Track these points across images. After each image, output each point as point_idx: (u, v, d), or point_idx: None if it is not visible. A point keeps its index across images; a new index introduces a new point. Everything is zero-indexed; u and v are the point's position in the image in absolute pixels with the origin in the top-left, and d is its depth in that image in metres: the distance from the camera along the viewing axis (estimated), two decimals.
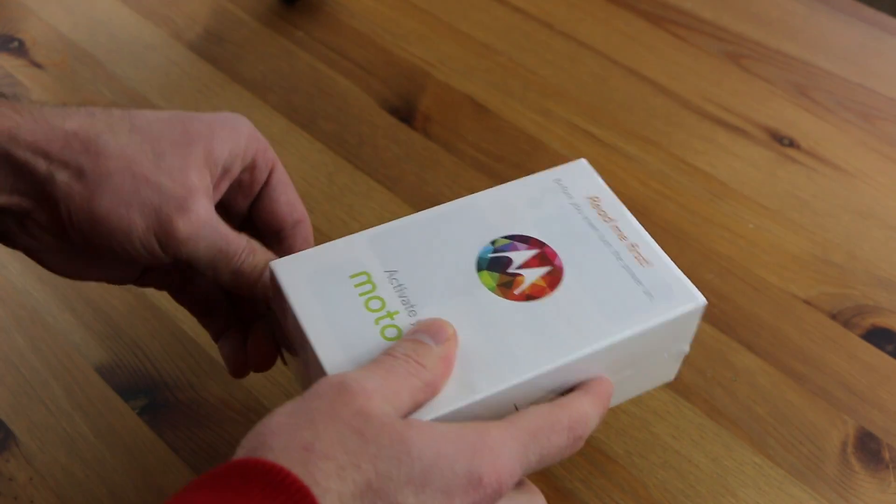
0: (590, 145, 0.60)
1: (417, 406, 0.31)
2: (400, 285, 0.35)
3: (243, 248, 0.36)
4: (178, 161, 0.35)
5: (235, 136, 0.37)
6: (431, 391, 0.31)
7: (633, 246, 0.37)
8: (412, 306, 0.34)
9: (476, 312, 0.34)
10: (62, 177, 0.33)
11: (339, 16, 0.69)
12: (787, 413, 0.47)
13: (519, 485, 0.34)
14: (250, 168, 0.38)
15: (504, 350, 0.33)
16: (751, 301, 0.52)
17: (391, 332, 0.33)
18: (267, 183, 0.39)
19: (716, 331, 0.50)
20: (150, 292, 0.50)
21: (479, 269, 0.36)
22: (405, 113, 0.62)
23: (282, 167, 0.40)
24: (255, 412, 0.46)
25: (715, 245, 0.55)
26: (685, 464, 0.45)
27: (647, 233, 0.38)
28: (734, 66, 0.67)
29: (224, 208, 0.39)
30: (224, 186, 0.38)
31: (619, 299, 0.35)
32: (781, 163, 0.60)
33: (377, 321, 0.34)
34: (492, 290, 0.35)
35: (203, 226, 0.35)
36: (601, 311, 0.35)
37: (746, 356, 0.49)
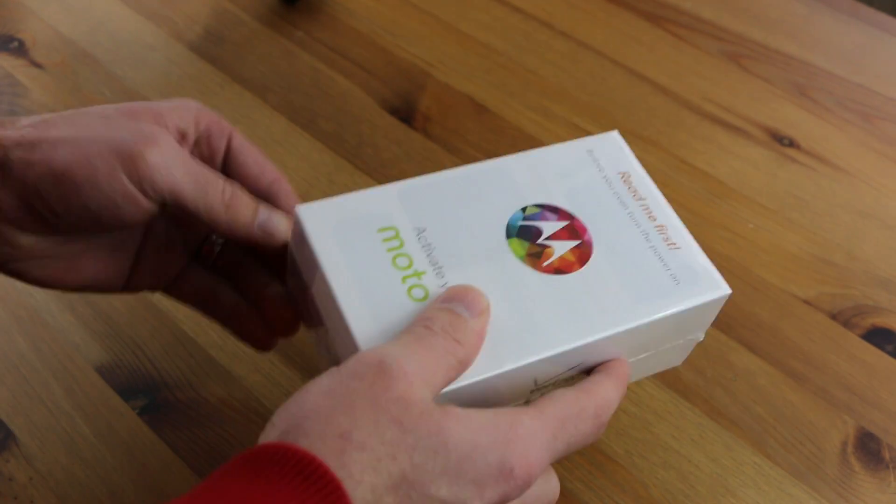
0: None
1: (449, 383, 0.31)
2: (428, 244, 0.34)
3: (223, 183, 0.35)
4: (127, 122, 0.34)
5: (182, 108, 0.37)
6: (463, 368, 0.31)
7: (661, 227, 0.37)
8: (440, 267, 0.33)
9: (504, 281, 0.34)
10: (17, 154, 0.32)
11: (339, 16, 0.69)
12: (787, 413, 0.47)
13: None
14: (206, 137, 0.37)
15: (530, 323, 0.33)
16: (751, 301, 0.52)
17: (418, 293, 0.33)
18: (228, 151, 0.38)
19: (716, 331, 0.50)
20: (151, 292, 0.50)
21: (509, 235, 0.35)
22: (405, 113, 0.62)
23: (241, 135, 0.39)
24: (256, 412, 0.46)
25: (715, 245, 0.55)
26: (685, 464, 0.45)
27: (676, 215, 0.38)
28: (734, 66, 0.67)
29: None
30: (186, 149, 0.37)
31: (646, 282, 0.35)
32: (781, 163, 0.60)
33: (404, 280, 0.33)
34: (521, 258, 0.35)
35: (175, 153, 0.34)
36: (628, 293, 0.35)
37: (746, 356, 0.49)
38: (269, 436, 0.28)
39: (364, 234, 0.34)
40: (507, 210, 0.36)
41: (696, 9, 0.71)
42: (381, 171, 0.58)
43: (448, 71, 0.65)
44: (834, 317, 0.52)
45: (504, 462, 0.28)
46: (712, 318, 0.37)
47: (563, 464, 0.45)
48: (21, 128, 0.34)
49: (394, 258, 0.33)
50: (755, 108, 0.64)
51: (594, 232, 0.36)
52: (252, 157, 0.38)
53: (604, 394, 0.33)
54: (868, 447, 0.46)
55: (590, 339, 0.33)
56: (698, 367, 0.49)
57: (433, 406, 0.29)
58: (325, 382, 0.29)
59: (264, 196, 0.38)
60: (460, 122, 0.61)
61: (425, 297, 0.32)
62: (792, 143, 0.62)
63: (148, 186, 0.33)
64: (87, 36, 0.66)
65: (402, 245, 0.34)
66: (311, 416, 0.28)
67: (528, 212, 0.36)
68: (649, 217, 0.37)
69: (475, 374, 0.31)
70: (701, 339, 0.38)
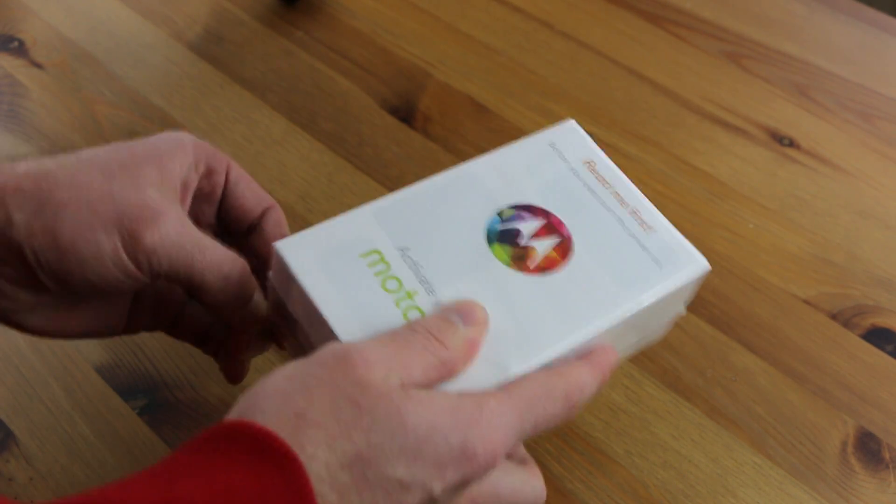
0: None
1: (431, 384, 0.30)
2: (414, 263, 0.34)
3: (223, 267, 0.35)
4: (129, 181, 0.34)
5: (182, 149, 0.37)
6: (448, 371, 0.31)
7: (634, 212, 0.38)
8: (429, 284, 0.33)
9: (495, 288, 0.34)
10: (20, 217, 0.32)
11: (339, 16, 0.69)
12: (787, 413, 0.47)
13: (522, 461, 0.34)
14: (207, 175, 0.38)
15: (529, 326, 0.33)
16: (751, 301, 0.52)
17: (413, 315, 0.33)
18: (227, 184, 0.39)
19: (716, 331, 0.50)
20: None
21: (490, 241, 0.35)
22: (405, 113, 0.62)
23: (237, 165, 0.39)
24: None
25: (715, 245, 0.55)
26: (685, 464, 0.45)
27: (645, 197, 0.38)
28: (734, 66, 0.67)
29: (195, 223, 0.38)
30: (188, 201, 0.37)
31: (630, 268, 0.36)
32: (781, 163, 0.60)
33: (398, 303, 0.33)
34: (506, 264, 0.35)
35: (173, 232, 0.34)
36: (615, 281, 0.35)
37: (746, 356, 0.49)
38: (231, 415, 0.29)
39: (349, 262, 0.34)
40: (484, 216, 0.36)
41: (696, 9, 0.71)
42: (381, 171, 0.58)
43: (448, 71, 0.65)
44: (834, 317, 0.52)
45: (467, 444, 0.28)
46: (694, 292, 0.38)
47: (563, 463, 0.45)
48: (18, 176, 0.33)
49: (383, 282, 0.33)
50: (755, 108, 0.64)
51: (571, 226, 0.37)
52: (249, 189, 0.39)
53: (577, 376, 0.33)
54: (868, 447, 0.46)
55: (589, 334, 0.34)
56: (698, 367, 0.49)
57: (394, 389, 0.29)
58: (289, 368, 0.29)
59: (256, 223, 0.39)
60: (460, 122, 0.61)
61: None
62: (792, 143, 0.62)
63: (145, 264, 0.34)
64: (87, 36, 0.66)
65: (388, 268, 0.34)
66: (270, 395, 0.28)
67: (504, 215, 0.36)
68: (621, 203, 0.38)
69: (482, 383, 0.31)
70: (683, 313, 0.39)
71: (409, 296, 0.33)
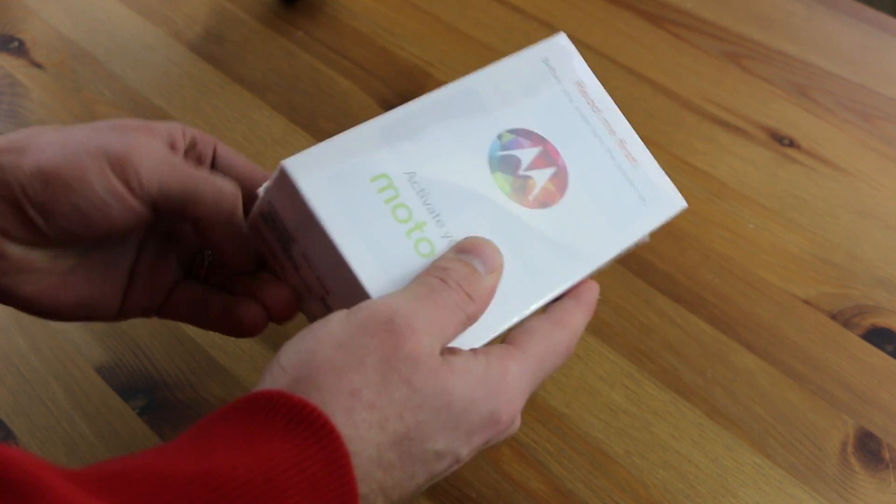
0: None
1: (456, 336, 0.31)
2: (422, 190, 0.34)
3: (213, 178, 0.35)
4: (116, 133, 0.34)
5: (170, 124, 0.37)
6: (471, 323, 0.32)
7: (621, 142, 0.39)
8: (438, 215, 0.33)
9: (499, 223, 0.34)
10: (6, 158, 0.33)
11: (339, 16, 0.69)
12: (787, 413, 0.47)
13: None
14: (192, 147, 0.38)
15: (531, 266, 0.34)
16: (751, 301, 0.52)
17: (424, 248, 0.33)
18: (215, 158, 0.39)
19: (716, 331, 0.50)
20: None
21: (492, 169, 0.35)
22: None
23: (225, 144, 0.39)
24: None
25: (715, 245, 0.55)
26: (685, 464, 0.45)
27: (630, 126, 0.39)
28: (734, 66, 0.67)
29: None
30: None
31: (620, 206, 0.37)
32: (781, 163, 0.60)
33: (408, 234, 0.33)
34: (507, 194, 0.35)
35: (163, 154, 0.34)
36: (606, 221, 0.36)
37: (746, 356, 0.49)
38: (279, 380, 0.29)
39: (359, 186, 0.32)
40: (485, 138, 0.36)
41: (696, 9, 0.71)
42: None
43: (448, 71, 0.65)
44: (834, 317, 0.52)
45: (493, 412, 0.30)
46: (664, 225, 0.39)
47: (563, 463, 0.45)
48: (8, 137, 0.34)
49: (393, 210, 0.33)
50: (755, 109, 0.64)
51: (566, 155, 0.37)
52: (239, 159, 0.39)
53: (576, 324, 0.34)
54: (868, 447, 0.46)
55: (584, 274, 0.35)
56: (698, 367, 0.49)
57: (440, 362, 0.29)
58: (337, 332, 0.29)
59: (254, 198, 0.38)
60: None
61: (431, 252, 0.33)
62: (792, 143, 0.62)
63: (136, 184, 0.33)
64: (87, 36, 0.66)
65: (397, 195, 0.33)
66: (323, 368, 0.28)
67: (504, 139, 0.36)
68: (609, 132, 0.39)
69: (493, 329, 0.32)
70: (647, 241, 0.40)
71: (419, 227, 0.33)
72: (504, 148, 0.36)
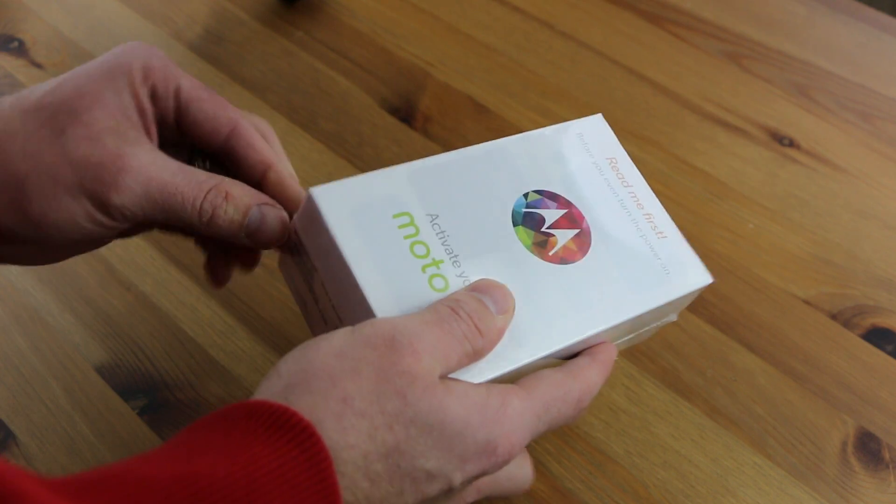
0: None
1: (460, 368, 0.31)
2: (442, 232, 0.34)
3: (206, 185, 0.34)
4: (81, 131, 0.33)
5: (125, 75, 0.34)
6: (477, 358, 0.31)
7: (649, 216, 0.39)
8: (456, 256, 0.34)
9: (516, 271, 0.34)
10: None
11: (339, 16, 0.69)
12: (787, 413, 0.47)
13: None
14: (152, 98, 0.35)
15: (545, 314, 0.34)
16: (751, 301, 0.52)
17: (439, 283, 0.33)
18: (178, 109, 0.36)
19: (716, 331, 0.50)
20: (151, 292, 0.50)
21: (515, 223, 0.36)
22: (405, 113, 0.62)
23: (190, 81, 0.36)
24: None
25: (715, 245, 0.55)
26: (685, 464, 0.45)
27: (659, 202, 0.39)
28: (734, 66, 0.67)
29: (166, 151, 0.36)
30: (153, 128, 0.35)
31: (641, 272, 0.37)
32: (781, 163, 0.60)
33: (424, 269, 0.33)
34: (528, 247, 0.35)
35: (137, 186, 0.33)
36: (626, 283, 0.36)
37: (746, 356, 0.49)
38: (274, 385, 0.29)
39: (380, 220, 0.33)
40: (510, 195, 0.37)
41: (696, 9, 0.71)
42: None
43: (448, 71, 0.65)
44: (834, 317, 0.52)
45: (490, 440, 0.29)
46: (690, 302, 0.40)
47: (563, 463, 0.45)
48: None
49: (411, 245, 0.33)
50: (755, 108, 0.64)
51: (591, 220, 0.37)
52: (203, 108, 0.36)
53: (589, 378, 0.34)
54: (868, 447, 0.46)
55: (597, 330, 0.34)
56: (698, 367, 0.49)
57: (437, 382, 0.29)
58: (337, 343, 0.29)
59: (223, 153, 0.37)
60: (460, 122, 0.61)
61: (445, 288, 0.33)
62: (792, 143, 0.62)
63: (119, 216, 0.33)
64: (87, 36, 0.66)
65: (417, 232, 0.34)
66: (318, 374, 0.28)
67: (529, 198, 0.37)
68: (637, 205, 0.39)
69: (500, 368, 0.32)
70: (674, 319, 0.41)
71: (436, 264, 0.33)
72: (529, 206, 0.37)
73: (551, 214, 0.37)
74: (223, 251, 0.41)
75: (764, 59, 0.68)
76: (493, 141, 0.38)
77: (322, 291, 0.34)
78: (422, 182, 0.35)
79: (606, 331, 0.35)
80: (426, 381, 0.29)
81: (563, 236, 0.36)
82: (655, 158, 0.60)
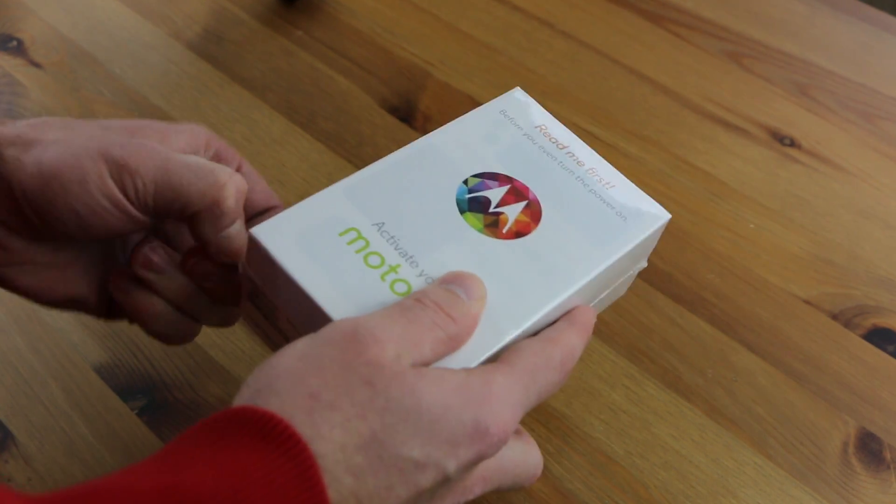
0: (590, 144, 0.60)
1: (437, 359, 0.30)
2: (392, 237, 0.34)
3: (224, 168, 0.34)
4: (126, 135, 0.34)
5: (192, 132, 0.36)
6: (454, 346, 0.31)
7: (592, 170, 0.39)
8: (411, 257, 0.34)
9: (475, 255, 0.34)
10: (11, 152, 0.33)
11: (339, 16, 0.69)
12: (788, 413, 0.47)
13: (518, 433, 0.34)
14: (215, 159, 0.37)
15: (514, 290, 0.34)
16: (751, 301, 0.52)
17: (401, 287, 0.33)
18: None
19: (716, 331, 0.50)
20: None
21: (462, 210, 0.36)
22: (405, 113, 0.62)
23: (250, 164, 0.39)
24: None
25: (715, 245, 0.55)
26: (686, 464, 0.45)
27: (600, 156, 0.40)
28: (735, 65, 0.67)
29: None
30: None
31: (599, 225, 0.37)
32: (782, 162, 0.60)
33: (383, 277, 0.33)
34: (480, 230, 0.35)
35: (160, 159, 0.33)
36: (587, 240, 0.36)
37: (746, 356, 0.49)
38: (243, 395, 0.28)
39: (327, 241, 0.34)
40: (450, 186, 0.37)
41: (696, 8, 0.71)
42: None
43: (448, 71, 0.65)
44: (835, 317, 0.52)
45: (479, 421, 0.28)
46: (655, 244, 0.40)
47: (563, 464, 0.44)
48: (18, 127, 0.34)
49: (365, 258, 0.33)
50: (756, 108, 0.64)
51: (536, 189, 0.37)
52: (259, 183, 0.39)
53: (568, 341, 0.33)
54: (869, 447, 0.46)
55: (569, 292, 0.34)
56: (698, 367, 0.49)
57: (407, 368, 0.28)
58: (300, 347, 0.29)
59: (255, 217, 0.38)
60: None
61: (408, 290, 0.33)
62: (793, 143, 0.61)
63: (132, 192, 0.33)
64: (87, 35, 0.66)
65: (367, 244, 0.34)
66: (282, 376, 0.28)
67: (470, 184, 0.37)
68: (578, 163, 0.39)
69: (483, 351, 0.32)
70: (645, 265, 0.40)
71: (393, 269, 0.33)
72: (471, 191, 0.37)
73: (495, 194, 0.37)
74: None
75: (765, 58, 0.68)
76: (419, 139, 0.38)
77: (288, 326, 0.35)
78: (359, 196, 0.35)
79: (579, 290, 0.35)
80: (394, 368, 0.28)
81: (513, 211, 0.36)
82: (655, 158, 0.60)
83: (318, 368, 0.28)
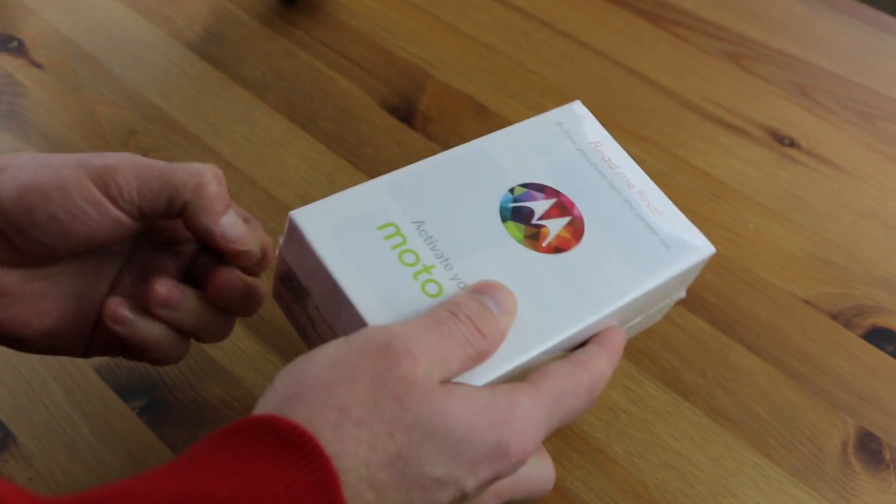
0: None
1: (463, 373, 0.30)
2: (430, 237, 0.34)
3: (204, 166, 0.34)
4: (97, 154, 0.34)
5: (140, 166, 0.35)
6: (480, 361, 0.31)
7: (641, 193, 0.38)
8: (446, 259, 0.33)
9: (511, 266, 0.34)
10: None
11: (339, 16, 0.69)
12: (788, 413, 0.47)
13: None
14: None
15: (545, 305, 0.33)
16: (751, 301, 0.52)
17: (432, 288, 0.32)
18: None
19: (716, 331, 0.50)
20: None
21: (504, 219, 0.35)
22: (405, 113, 0.62)
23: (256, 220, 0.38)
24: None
25: (715, 245, 0.55)
26: (685, 464, 0.45)
27: (650, 180, 0.39)
28: (734, 65, 0.67)
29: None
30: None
31: (640, 250, 0.36)
32: (782, 163, 0.60)
33: (415, 276, 0.32)
34: (520, 241, 0.35)
35: (145, 164, 0.33)
36: (626, 263, 0.35)
37: (746, 356, 0.49)
38: (270, 400, 0.28)
39: (365, 234, 0.33)
40: (495, 193, 0.36)
41: (696, 8, 0.71)
42: (380, 171, 0.58)
43: (448, 71, 0.65)
44: (834, 317, 0.52)
45: (501, 442, 0.28)
46: (696, 276, 0.39)
47: (563, 463, 0.45)
48: None
49: (400, 255, 0.33)
50: (756, 108, 0.64)
51: (581, 206, 0.37)
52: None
53: (598, 367, 0.33)
54: (869, 447, 0.46)
55: (602, 314, 0.34)
56: (698, 367, 0.49)
57: (436, 386, 0.28)
58: (331, 353, 0.29)
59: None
60: (460, 122, 0.61)
61: (440, 293, 0.32)
62: (792, 143, 0.62)
63: (115, 193, 0.32)
64: (87, 36, 0.66)
65: (404, 241, 0.33)
66: (313, 385, 0.28)
67: (515, 192, 0.36)
68: (628, 185, 0.38)
69: (505, 364, 0.31)
70: (684, 296, 0.40)
71: (427, 269, 0.33)
72: (516, 200, 0.36)
73: (540, 206, 0.36)
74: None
75: (764, 58, 0.68)
76: (471, 142, 0.38)
77: (317, 314, 0.34)
78: (403, 192, 0.35)
79: (612, 314, 0.34)
80: (425, 386, 0.28)
81: (555, 226, 0.36)
82: (655, 158, 0.60)
83: (349, 380, 0.28)
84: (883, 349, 0.50)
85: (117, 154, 0.34)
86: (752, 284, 0.53)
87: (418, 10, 0.70)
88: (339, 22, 0.68)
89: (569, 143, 0.39)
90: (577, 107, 0.41)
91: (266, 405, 0.28)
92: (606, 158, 0.39)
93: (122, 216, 0.33)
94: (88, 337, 0.37)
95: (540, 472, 0.33)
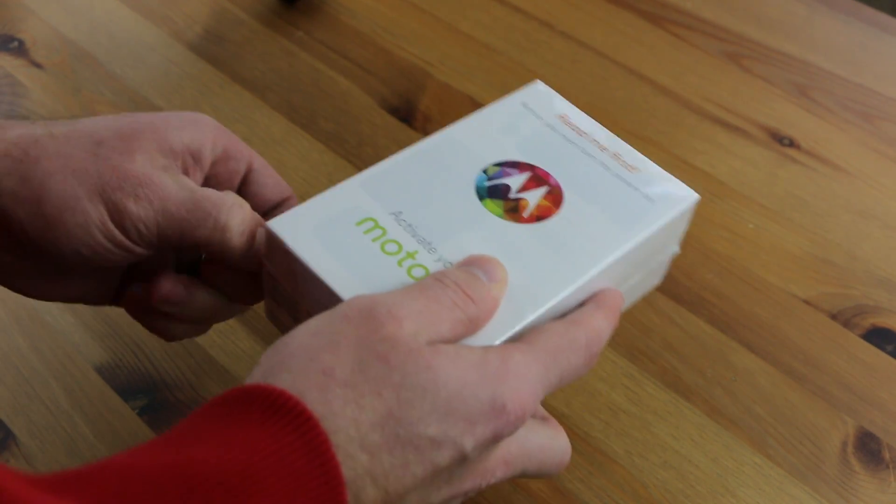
0: None
1: (456, 339, 0.30)
2: (409, 225, 0.34)
3: (228, 203, 0.34)
4: (119, 146, 0.33)
5: (195, 125, 0.36)
6: (473, 327, 0.30)
7: (615, 155, 0.38)
8: (429, 243, 0.33)
9: (495, 240, 0.34)
10: (7, 184, 0.32)
11: (339, 16, 0.69)
12: (787, 413, 0.47)
13: (544, 419, 0.33)
14: (224, 159, 0.37)
15: (536, 271, 0.33)
16: (751, 301, 0.52)
17: (418, 273, 0.32)
18: (248, 173, 0.38)
19: (716, 331, 0.50)
20: None
21: (481, 198, 0.36)
22: (405, 113, 0.62)
23: (260, 158, 0.39)
24: None
25: (715, 245, 0.55)
26: (685, 464, 0.45)
27: (623, 141, 0.39)
28: (734, 66, 0.67)
29: None
30: (198, 175, 0.36)
31: (624, 207, 0.36)
32: (781, 163, 0.60)
33: (400, 263, 0.33)
34: (500, 216, 0.35)
35: (158, 196, 0.33)
36: (611, 220, 0.36)
37: (746, 356, 0.49)
38: (254, 375, 0.28)
39: (344, 231, 0.33)
40: (469, 175, 0.37)
41: (696, 9, 0.71)
42: None
43: (448, 71, 0.65)
44: (834, 317, 0.52)
45: (496, 398, 0.28)
46: (685, 228, 0.39)
47: None
48: (6, 141, 0.33)
49: (382, 245, 0.33)
50: (755, 108, 0.64)
51: (557, 175, 0.37)
52: (272, 178, 0.38)
53: (595, 324, 0.32)
54: (868, 447, 0.46)
55: (592, 273, 0.34)
56: (698, 367, 0.49)
57: (423, 345, 0.28)
58: (313, 323, 0.29)
59: (269, 211, 0.38)
60: None
61: (426, 275, 0.32)
62: (792, 143, 0.62)
63: (134, 234, 0.33)
64: (87, 36, 0.66)
65: (384, 233, 0.34)
66: (296, 353, 0.28)
67: (489, 172, 0.37)
68: (600, 148, 0.39)
69: (504, 331, 0.31)
70: (678, 251, 0.40)
71: (411, 255, 0.33)
72: (491, 178, 0.36)
73: (515, 180, 0.37)
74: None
75: (764, 59, 0.68)
76: (437, 132, 0.38)
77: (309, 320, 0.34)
78: (376, 188, 0.35)
79: (603, 272, 0.34)
80: (410, 345, 0.28)
81: (534, 196, 0.36)
82: (655, 158, 0.59)
83: (332, 344, 0.27)
84: (883, 349, 0.50)
85: (137, 185, 0.33)
86: (752, 284, 0.53)
87: (418, 10, 0.70)
88: (339, 22, 0.68)
89: (535, 120, 0.39)
90: (540, 85, 0.41)
91: (251, 379, 0.28)
92: (575, 127, 0.39)
93: (142, 251, 0.34)
94: (114, 294, 0.38)
95: (553, 443, 0.33)
